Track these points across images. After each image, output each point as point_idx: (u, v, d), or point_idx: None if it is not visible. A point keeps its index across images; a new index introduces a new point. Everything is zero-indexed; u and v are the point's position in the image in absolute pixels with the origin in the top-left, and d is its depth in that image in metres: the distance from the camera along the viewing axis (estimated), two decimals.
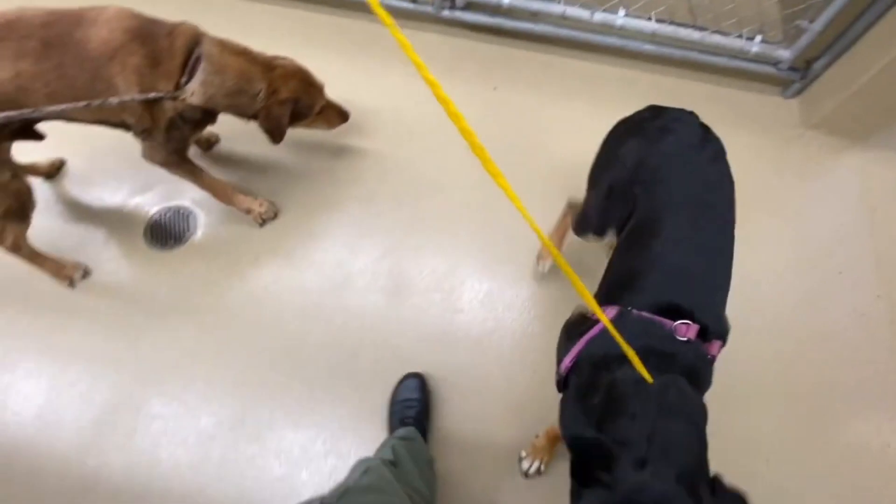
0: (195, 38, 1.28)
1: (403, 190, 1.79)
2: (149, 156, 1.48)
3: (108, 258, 1.65)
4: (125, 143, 1.45)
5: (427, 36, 2.14)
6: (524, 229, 0.66)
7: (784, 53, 1.90)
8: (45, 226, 1.60)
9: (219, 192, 1.64)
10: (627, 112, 1.19)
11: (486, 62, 2.09)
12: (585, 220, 1.18)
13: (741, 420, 1.43)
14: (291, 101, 1.38)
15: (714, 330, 0.87)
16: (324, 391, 1.47)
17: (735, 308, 1.62)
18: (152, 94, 1.22)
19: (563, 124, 1.94)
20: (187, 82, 1.26)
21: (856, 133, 1.86)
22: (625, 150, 1.03)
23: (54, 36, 1.18)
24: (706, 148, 0.99)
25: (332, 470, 1.38)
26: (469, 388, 1.48)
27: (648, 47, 2.02)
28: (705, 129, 1.02)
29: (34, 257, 1.53)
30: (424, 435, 1.34)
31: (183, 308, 1.59)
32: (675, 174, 0.95)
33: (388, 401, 1.43)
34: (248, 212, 1.67)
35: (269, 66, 1.35)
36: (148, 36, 1.23)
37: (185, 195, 1.74)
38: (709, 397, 0.89)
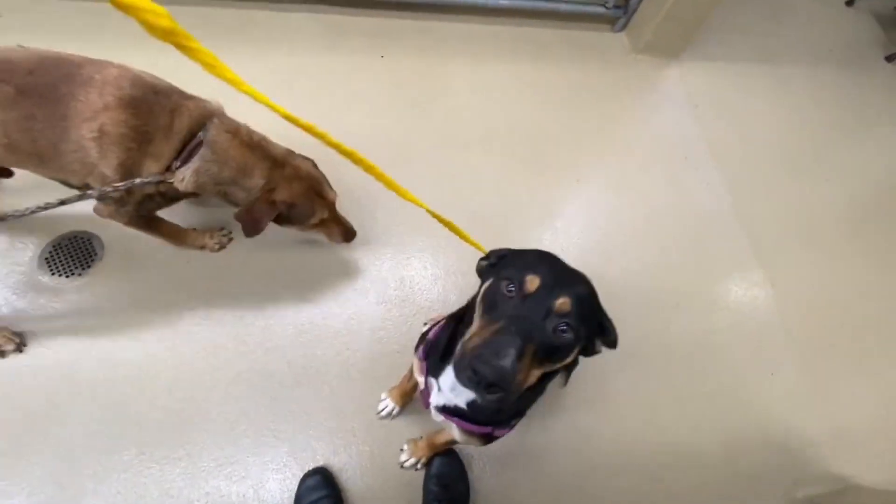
0: (201, 120, 1.14)
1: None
2: (107, 215, 1.27)
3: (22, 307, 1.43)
4: None
5: (295, 17, 2.15)
6: None
7: None
8: None
9: (174, 238, 1.50)
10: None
11: (367, 34, 2.17)
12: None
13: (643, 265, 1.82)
14: (285, 205, 1.25)
15: None
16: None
17: (619, 199, 2.00)
18: (138, 181, 1.08)
19: (453, 80, 2.13)
20: (180, 167, 1.13)
21: (671, 51, 2.39)
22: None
23: (35, 86, 1.02)
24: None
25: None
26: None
27: (504, 2, 2.29)
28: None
29: None
30: None
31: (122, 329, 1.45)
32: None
33: None
34: (202, 248, 1.58)
35: (277, 163, 1.23)
36: (145, 109, 1.07)
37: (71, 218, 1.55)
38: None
